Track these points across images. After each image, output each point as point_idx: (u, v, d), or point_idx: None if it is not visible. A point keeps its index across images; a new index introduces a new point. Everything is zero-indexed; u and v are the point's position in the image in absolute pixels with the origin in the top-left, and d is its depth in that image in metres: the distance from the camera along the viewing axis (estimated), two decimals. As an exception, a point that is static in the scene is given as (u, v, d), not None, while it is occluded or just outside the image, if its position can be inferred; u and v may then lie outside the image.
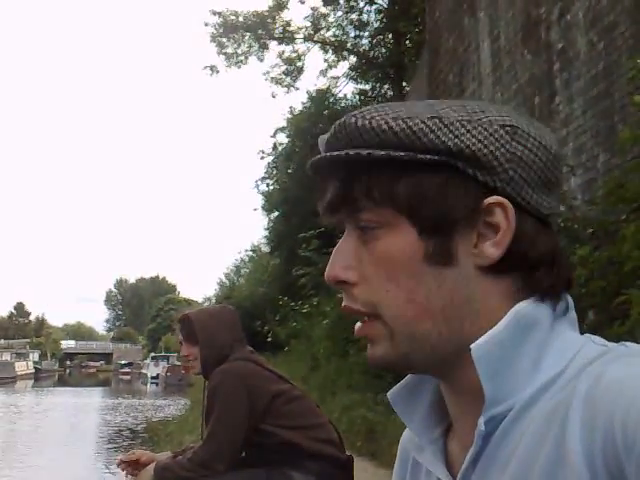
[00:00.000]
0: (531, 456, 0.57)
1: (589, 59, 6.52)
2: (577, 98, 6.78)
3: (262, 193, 26.61)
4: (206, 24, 25.96)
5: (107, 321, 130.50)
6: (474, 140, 0.62)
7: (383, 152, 0.62)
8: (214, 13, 25.72)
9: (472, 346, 0.60)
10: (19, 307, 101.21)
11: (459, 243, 0.63)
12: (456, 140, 0.62)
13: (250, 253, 39.10)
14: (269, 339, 19.35)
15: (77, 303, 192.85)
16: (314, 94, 24.90)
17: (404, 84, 23.16)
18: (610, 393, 0.52)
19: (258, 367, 2.71)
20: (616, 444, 0.50)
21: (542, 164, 0.64)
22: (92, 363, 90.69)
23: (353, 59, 26.56)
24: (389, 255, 0.64)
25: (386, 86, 25.31)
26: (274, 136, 25.78)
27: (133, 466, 2.77)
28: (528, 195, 0.63)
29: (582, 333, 0.65)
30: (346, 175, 0.65)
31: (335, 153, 0.64)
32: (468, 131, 0.62)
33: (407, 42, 23.85)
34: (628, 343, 0.60)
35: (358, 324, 0.67)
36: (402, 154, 0.62)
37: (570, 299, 0.66)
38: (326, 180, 0.68)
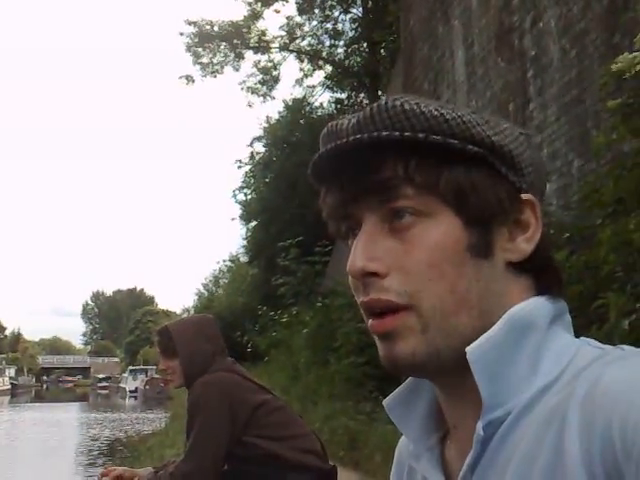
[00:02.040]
0: (530, 460, 0.56)
1: (562, 66, 6.61)
2: (551, 104, 6.86)
3: (240, 202, 26.60)
4: (181, 34, 25.97)
5: (84, 334, 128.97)
6: (509, 140, 0.64)
7: (439, 137, 0.62)
8: (189, 23, 25.74)
9: (467, 349, 0.60)
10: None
11: (496, 237, 0.64)
12: (497, 137, 0.64)
13: (228, 263, 39.02)
14: (249, 349, 19.27)
15: (53, 316, 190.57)
16: (290, 103, 25.01)
17: (379, 92, 23.31)
18: (607, 396, 0.52)
19: (239, 378, 2.68)
20: (614, 447, 0.50)
21: (544, 172, 0.68)
22: (69, 378, 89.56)
23: (329, 68, 26.74)
24: (432, 243, 0.62)
25: (362, 94, 25.50)
26: (251, 145, 25.84)
27: (115, 482, 2.72)
28: (539, 199, 0.66)
29: None
30: (388, 158, 0.62)
31: (385, 133, 0.62)
32: (502, 131, 0.64)
33: (382, 51, 24.05)
34: (624, 346, 0.59)
35: (376, 320, 0.63)
36: (456, 142, 0.62)
37: (565, 302, 0.66)
38: (349, 165, 0.64)
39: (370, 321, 0.64)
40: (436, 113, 0.62)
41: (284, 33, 26.59)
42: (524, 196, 0.64)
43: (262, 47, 26.73)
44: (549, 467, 0.54)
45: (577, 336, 0.65)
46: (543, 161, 0.68)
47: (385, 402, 0.71)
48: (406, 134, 0.62)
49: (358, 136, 0.62)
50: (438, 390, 0.67)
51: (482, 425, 0.59)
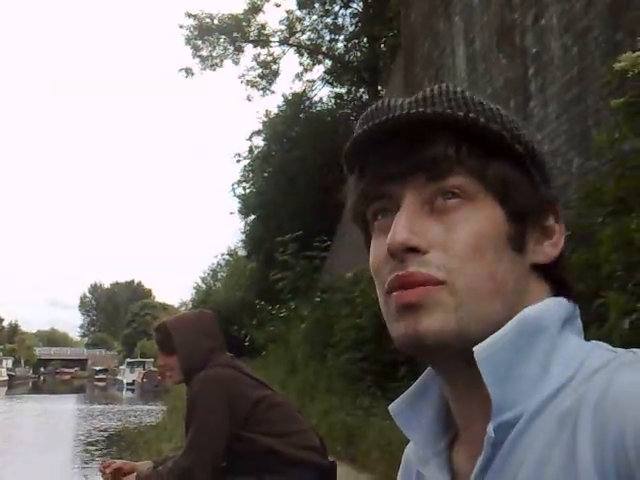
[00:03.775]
0: (541, 464, 0.56)
1: (563, 63, 6.59)
2: (552, 102, 6.85)
3: (238, 196, 26.50)
4: (181, 26, 25.89)
5: (81, 327, 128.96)
6: (540, 150, 0.67)
7: (498, 127, 0.63)
8: (189, 15, 25.67)
9: (475, 348, 0.59)
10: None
11: (528, 237, 0.65)
12: (534, 144, 0.66)
13: (227, 257, 38.97)
14: (246, 344, 19.26)
15: (51, 308, 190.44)
16: (290, 97, 24.94)
17: (379, 88, 23.27)
18: (620, 401, 0.52)
19: (238, 373, 2.68)
20: (627, 452, 0.50)
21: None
22: (66, 370, 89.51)
23: (328, 63, 26.69)
24: (477, 227, 0.62)
25: (361, 90, 25.45)
26: (250, 139, 25.76)
27: (115, 474, 2.72)
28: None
29: None
30: (441, 138, 0.63)
31: (449, 111, 0.63)
32: (536, 141, 0.67)
33: (382, 46, 23.98)
34: (636, 349, 0.59)
35: (407, 291, 0.61)
36: (508, 135, 0.63)
37: (577, 307, 0.67)
38: (399, 140, 0.64)
39: (394, 294, 0.62)
40: (492, 106, 0.64)
41: (284, 27, 26.54)
42: (551, 204, 0.67)
43: (262, 41, 26.66)
44: (561, 472, 0.54)
45: None
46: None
47: (391, 407, 0.71)
48: (471, 115, 0.62)
49: (420, 110, 0.63)
50: (448, 390, 0.67)
51: (493, 427, 0.59)
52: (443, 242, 0.62)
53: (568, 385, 0.58)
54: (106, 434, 19.04)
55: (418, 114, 0.62)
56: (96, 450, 15.63)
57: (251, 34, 26.48)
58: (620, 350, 0.60)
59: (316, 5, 26.05)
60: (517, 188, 0.64)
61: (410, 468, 0.76)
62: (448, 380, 0.66)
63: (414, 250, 0.61)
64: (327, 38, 26.31)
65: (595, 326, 3.39)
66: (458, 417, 0.66)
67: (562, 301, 0.65)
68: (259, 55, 26.77)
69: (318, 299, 12.91)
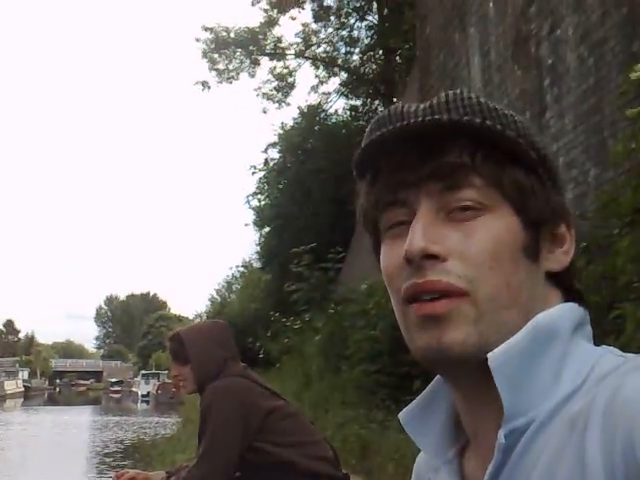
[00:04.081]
0: (552, 469, 0.55)
1: (579, 74, 6.56)
2: (568, 113, 6.82)
3: (253, 208, 26.61)
4: (197, 40, 26.10)
5: (97, 338, 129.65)
6: (552, 157, 0.68)
7: (513, 134, 0.63)
8: (205, 29, 25.86)
9: (489, 355, 0.59)
10: (8, 324, 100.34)
11: (542, 245, 0.65)
12: (546, 151, 0.66)
13: (241, 269, 39.03)
14: (261, 355, 19.25)
15: (67, 320, 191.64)
16: (305, 110, 25.01)
17: (395, 100, 23.29)
18: (629, 405, 0.51)
19: (252, 383, 2.67)
20: (636, 457, 0.49)
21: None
22: (82, 381, 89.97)
23: (344, 75, 26.76)
24: (494, 235, 0.62)
25: (377, 102, 25.47)
26: (265, 151, 25.82)
27: (128, 485, 2.72)
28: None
29: None
30: (456, 145, 0.62)
31: (466, 118, 0.62)
32: (548, 147, 0.67)
33: (397, 58, 24.03)
34: None
35: (425, 304, 0.61)
36: (523, 142, 0.63)
37: (587, 312, 0.66)
38: (413, 147, 0.63)
39: (414, 305, 0.61)
40: (507, 113, 0.64)
41: (300, 40, 26.67)
42: (563, 211, 0.66)
43: (278, 54, 26.81)
44: (572, 477, 0.53)
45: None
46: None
47: (400, 416, 0.70)
48: (487, 122, 0.62)
49: (437, 117, 0.62)
50: (459, 397, 0.66)
51: (504, 433, 0.58)
52: (461, 250, 0.61)
53: (579, 390, 0.58)
54: (122, 446, 19.08)
55: (434, 121, 0.62)
56: (113, 461, 15.65)
57: (267, 47, 26.64)
58: (630, 355, 0.60)
59: (332, 18, 26.18)
60: (532, 195, 0.63)
61: (421, 476, 0.75)
62: (459, 388, 0.65)
63: (432, 257, 0.61)
64: (343, 50, 26.44)
65: (612, 338, 3.36)
66: (469, 425, 0.66)
67: (574, 306, 0.65)
68: (275, 68, 26.93)
69: (332, 311, 12.88)
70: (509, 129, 0.63)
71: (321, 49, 26.96)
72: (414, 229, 0.61)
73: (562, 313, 0.63)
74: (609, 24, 6.01)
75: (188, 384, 2.75)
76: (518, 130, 0.63)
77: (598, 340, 0.66)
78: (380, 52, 25.01)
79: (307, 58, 26.91)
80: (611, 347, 0.63)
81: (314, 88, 27.01)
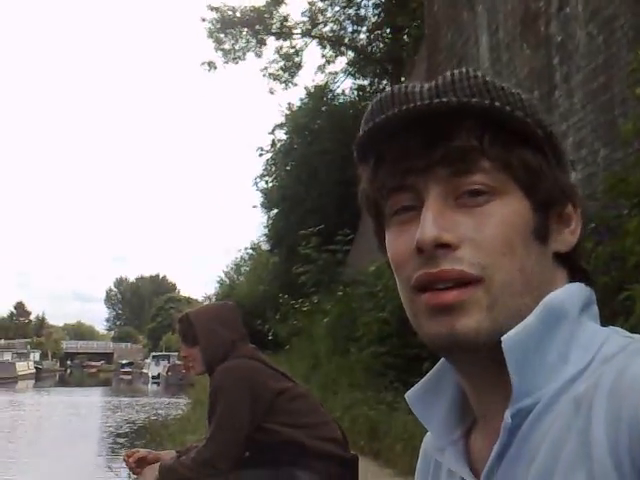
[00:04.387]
0: (557, 449, 0.56)
1: (588, 52, 6.49)
2: (577, 92, 6.75)
3: (261, 190, 26.56)
4: (203, 20, 25.94)
5: (107, 320, 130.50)
6: (556, 133, 0.66)
7: (521, 113, 0.62)
8: (211, 9, 25.69)
9: (503, 338, 0.58)
10: (19, 307, 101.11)
11: (551, 226, 0.64)
12: (552, 128, 0.64)
13: (250, 251, 39.10)
14: (270, 337, 19.33)
15: (77, 302, 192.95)
16: (312, 90, 24.86)
17: (402, 79, 23.10)
18: (635, 384, 0.52)
19: (261, 364, 2.69)
20: None
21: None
22: (93, 363, 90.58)
23: (351, 54, 26.55)
24: (506, 220, 0.61)
25: (384, 81, 25.27)
26: (272, 133, 25.73)
27: (138, 463, 2.75)
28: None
29: None
30: (463, 128, 0.61)
31: (475, 100, 0.60)
32: (553, 125, 0.65)
33: (405, 37, 23.78)
34: None
35: (437, 293, 0.60)
36: (530, 121, 0.62)
37: (593, 292, 0.66)
38: (420, 132, 0.62)
39: (427, 294, 0.61)
40: (514, 91, 0.62)
41: (306, 19, 26.46)
42: (569, 190, 0.65)
43: (284, 33, 26.62)
44: (576, 455, 0.54)
45: None
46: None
47: (407, 395, 0.70)
48: (496, 104, 0.60)
49: (444, 99, 0.60)
50: (466, 380, 0.66)
51: (510, 414, 0.59)
52: (473, 237, 0.60)
53: (585, 371, 0.58)
54: (134, 426, 19.26)
55: (442, 104, 0.60)
56: (127, 441, 15.82)
57: (273, 26, 26.44)
58: (637, 336, 0.60)
59: (338, -4, 25.95)
60: (540, 175, 0.62)
61: (428, 457, 0.76)
62: (467, 372, 0.65)
63: (445, 246, 0.60)
64: (350, 29, 26.20)
65: (621, 319, 3.35)
66: (476, 406, 0.66)
67: (581, 286, 0.65)
68: (281, 47, 26.75)
69: (341, 293, 12.90)
70: (517, 109, 0.61)
71: (328, 28, 26.75)
72: (425, 218, 0.60)
73: (570, 293, 0.63)
74: (618, 1, 5.93)
75: (197, 365, 2.77)
76: (525, 109, 0.62)
77: (607, 321, 0.66)
78: (387, 31, 24.78)
79: (314, 37, 26.69)
80: (618, 328, 0.62)
81: (321, 68, 26.86)
